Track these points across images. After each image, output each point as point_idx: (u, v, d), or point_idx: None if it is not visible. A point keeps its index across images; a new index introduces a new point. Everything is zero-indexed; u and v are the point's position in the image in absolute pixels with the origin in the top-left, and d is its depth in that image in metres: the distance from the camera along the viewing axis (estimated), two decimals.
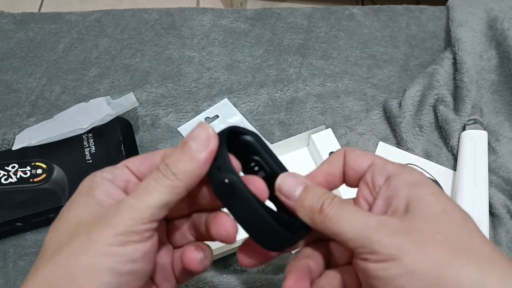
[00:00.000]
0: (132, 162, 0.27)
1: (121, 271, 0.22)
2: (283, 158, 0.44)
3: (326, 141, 0.49)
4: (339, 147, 0.48)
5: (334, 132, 0.49)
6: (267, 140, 0.53)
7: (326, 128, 0.50)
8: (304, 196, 0.25)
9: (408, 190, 0.24)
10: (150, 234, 0.24)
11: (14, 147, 0.46)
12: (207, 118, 0.55)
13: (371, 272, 0.22)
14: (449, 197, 0.24)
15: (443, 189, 0.27)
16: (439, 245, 0.21)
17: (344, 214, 0.23)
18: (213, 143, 0.24)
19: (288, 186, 0.26)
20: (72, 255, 0.22)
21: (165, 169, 0.24)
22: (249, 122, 0.54)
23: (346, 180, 0.27)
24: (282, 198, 0.26)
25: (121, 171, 0.26)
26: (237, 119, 0.54)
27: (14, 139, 0.48)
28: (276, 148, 0.48)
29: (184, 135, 0.53)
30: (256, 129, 0.54)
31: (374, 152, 0.52)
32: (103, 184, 0.25)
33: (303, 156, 0.51)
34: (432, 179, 0.47)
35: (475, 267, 0.21)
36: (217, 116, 0.55)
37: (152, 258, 0.25)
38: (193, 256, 0.26)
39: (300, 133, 0.52)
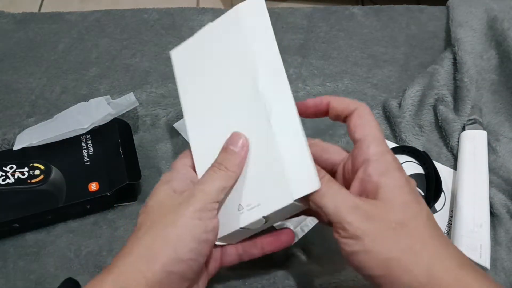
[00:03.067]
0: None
1: (200, 239, 0.30)
2: None
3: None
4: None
5: (334, 132, 0.49)
6: None
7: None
8: None
9: (379, 178, 0.29)
10: (215, 212, 0.32)
11: (15, 147, 0.46)
12: None
13: (340, 244, 0.29)
14: (411, 189, 0.29)
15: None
16: (394, 233, 0.27)
17: (329, 191, 0.30)
18: (245, 143, 0.33)
19: None
20: (166, 228, 0.30)
21: (219, 165, 0.33)
22: None
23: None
24: None
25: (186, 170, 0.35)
26: None
27: (14, 139, 0.48)
28: None
29: (180, 131, 0.53)
30: None
31: None
32: (177, 177, 0.34)
33: None
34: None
35: (421, 255, 0.27)
36: None
37: (216, 234, 0.32)
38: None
39: None
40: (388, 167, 0.29)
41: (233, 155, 0.33)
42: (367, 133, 0.31)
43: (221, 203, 0.33)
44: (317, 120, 0.37)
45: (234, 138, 0.33)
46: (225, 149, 0.33)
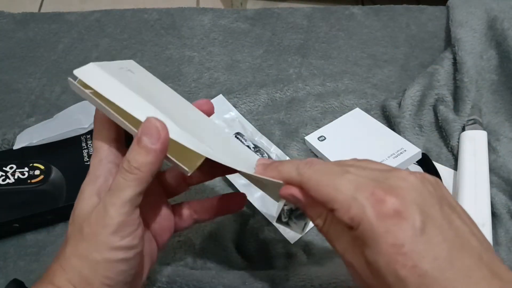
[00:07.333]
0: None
1: (129, 257, 0.28)
2: None
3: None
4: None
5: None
6: (268, 139, 0.52)
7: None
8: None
9: None
10: (137, 219, 0.28)
11: (15, 147, 0.46)
12: None
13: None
14: None
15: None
16: None
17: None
18: (164, 134, 0.27)
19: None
20: (89, 252, 0.27)
21: (128, 165, 0.27)
22: (249, 122, 0.54)
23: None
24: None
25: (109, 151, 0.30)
26: (232, 115, 0.54)
27: (14, 139, 0.49)
28: None
29: None
30: (256, 129, 0.53)
31: None
32: (102, 170, 0.29)
33: None
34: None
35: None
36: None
37: (139, 239, 0.29)
38: None
39: (299, 132, 0.52)
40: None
41: (145, 152, 0.27)
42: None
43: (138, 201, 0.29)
44: None
45: (148, 126, 0.27)
46: (138, 140, 0.27)
